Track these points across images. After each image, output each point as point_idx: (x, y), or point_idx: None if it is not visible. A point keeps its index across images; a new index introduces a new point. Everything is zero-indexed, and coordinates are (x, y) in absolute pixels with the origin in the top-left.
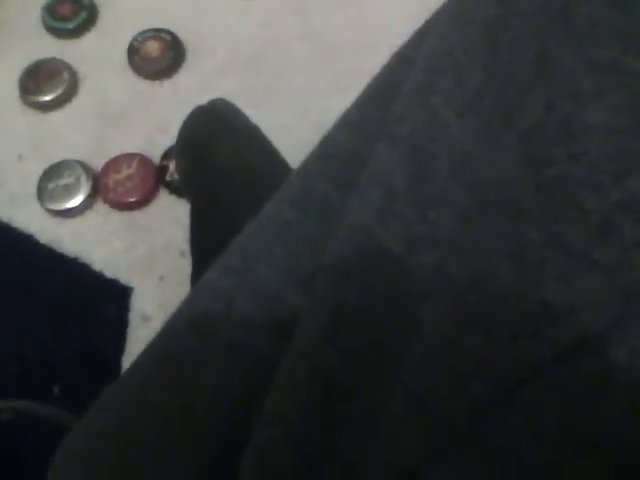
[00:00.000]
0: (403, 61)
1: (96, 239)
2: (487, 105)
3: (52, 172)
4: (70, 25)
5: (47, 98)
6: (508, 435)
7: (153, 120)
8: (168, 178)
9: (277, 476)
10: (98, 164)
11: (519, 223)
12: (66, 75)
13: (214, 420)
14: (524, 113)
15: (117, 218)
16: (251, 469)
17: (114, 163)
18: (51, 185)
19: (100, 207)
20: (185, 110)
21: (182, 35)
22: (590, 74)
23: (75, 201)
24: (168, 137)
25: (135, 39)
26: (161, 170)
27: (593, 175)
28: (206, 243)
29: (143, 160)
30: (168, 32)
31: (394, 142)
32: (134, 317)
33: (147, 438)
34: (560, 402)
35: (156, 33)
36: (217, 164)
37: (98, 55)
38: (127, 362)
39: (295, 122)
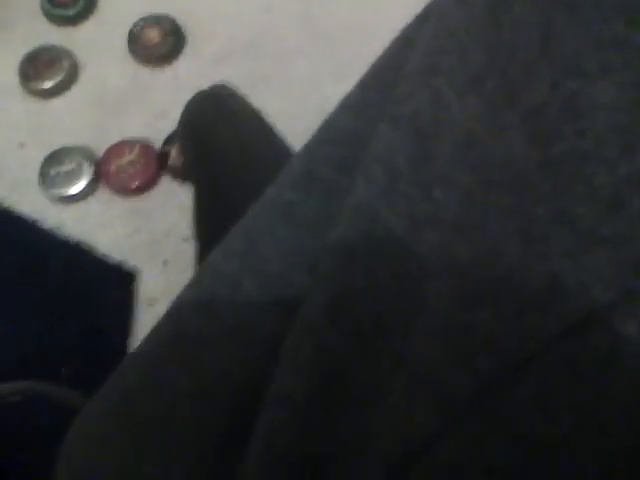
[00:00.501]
0: (405, 43)
1: (99, 225)
2: (490, 85)
3: (53, 159)
4: (70, 12)
5: (47, 85)
6: (515, 411)
7: (154, 106)
8: (170, 163)
9: (284, 456)
10: (99, 151)
11: (525, 200)
12: (66, 62)
13: (221, 402)
14: (529, 92)
15: (119, 204)
16: (260, 448)
17: (116, 149)
18: (53, 172)
19: (102, 193)
20: (186, 96)
21: (182, 21)
22: (595, 51)
23: (77, 187)
24: (169, 123)
25: (135, 25)
26: (163, 156)
27: (600, 150)
28: (208, 226)
29: (145, 146)
30: (168, 18)
31: (397, 123)
32: (139, 301)
33: (153, 419)
34: (568, 378)
35: (156, 19)
36: (217, 148)
37: (98, 42)
38: (133, 345)
39: (295, 108)
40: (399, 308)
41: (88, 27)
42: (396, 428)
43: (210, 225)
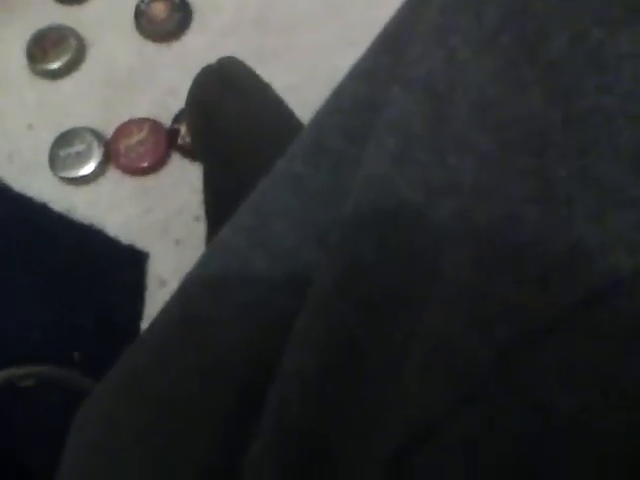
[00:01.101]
0: (418, 2)
1: (110, 205)
2: (507, 40)
3: (63, 140)
4: None
5: (55, 66)
6: (534, 382)
7: (162, 83)
8: (180, 142)
9: (295, 433)
10: (109, 130)
11: (546, 160)
12: (73, 41)
13: (231, 380)
14: (548, 44)
15: (130, 184)
16: (270, 425)
17: (125, 128)
18: (63, 153)
19: (113, 173)
20: (194, 72)
21: None
22: None
23: (87, 168)
24: (178, 100)
25: (141, 1)
26: (172, 134)
27: (626, 105)
28: (218, 203)
29: (154, 124)
30: None
31: (410, 86)
32: (151, 282)
33: (164, 398)
34: (590, 346)
35: None
36: (224, 123)
37: (104, 19)
38: (145, 327)
39: (304, 81)
40: (413, 279)
41: (94, 4)
42: (410, 403)
43: (220, 201)
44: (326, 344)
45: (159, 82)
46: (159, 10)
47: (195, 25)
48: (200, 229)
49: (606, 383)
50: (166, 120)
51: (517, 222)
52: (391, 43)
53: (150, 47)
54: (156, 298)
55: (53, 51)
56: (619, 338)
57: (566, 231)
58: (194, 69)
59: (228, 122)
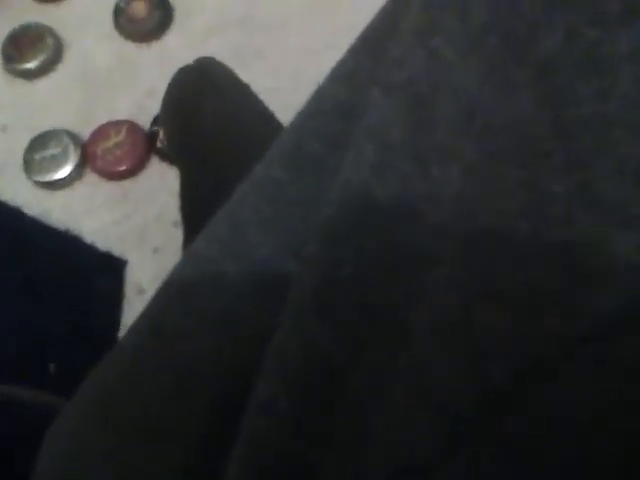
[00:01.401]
0: (400, 1)
1: (86, 211)
2: (495, 41)
3: (38, 142)
4: None
5: (31, 65)
6: (529, 427)
7: (142, 85)
8: (159, 145)
9: (269, 466)
10: (86, 132)
11: (538, 173)
12: (50, 41)
13: (205, 390)
14: (540, 44)
15: (107, 188)
16: (243, 456)
17: (102, 131)
18: (38, 156)
19: (89, 177)
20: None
21: None
22: None
23: (63, 172)
24: (158, 102)
25: None
26: (151, 136)
27: (627, 112)
28: (195, 208)
29: (132, 127)
30: None
31: (391, 89)
32: (129, 290)
33: (135, 419)
34: (596, 385)
35: None
36: (202, 124)
37: (83, 18)
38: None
39: (288, 84)
40: (394, 299)
41: (72, 2)
42: (393, 442)
43: (196, 206)
44: (300, 370)
45: (138, 83)
46: (139, 9)
47: (176, 24)
48: (178, 235)
49: (611, 434)
50: (145, 122)
51: (506, 241)
52: (373, 43)
53: (129, 47)
54: (134, 306)
55: (29, 50)
56: (626, 377)
57: (563, 253)
58: (175, 70)
59: (205, 120)
